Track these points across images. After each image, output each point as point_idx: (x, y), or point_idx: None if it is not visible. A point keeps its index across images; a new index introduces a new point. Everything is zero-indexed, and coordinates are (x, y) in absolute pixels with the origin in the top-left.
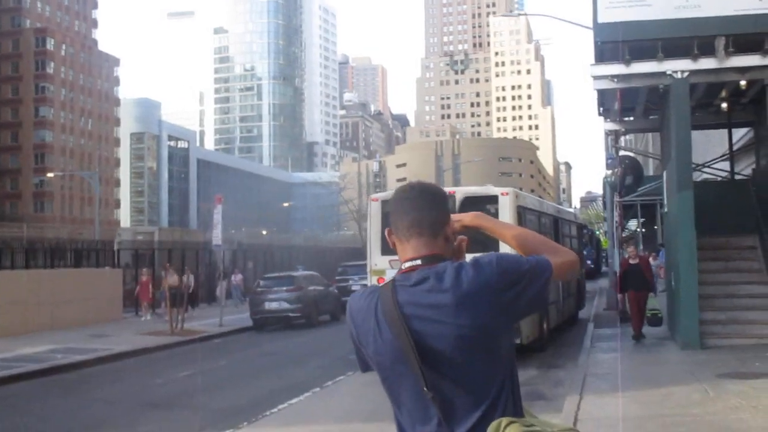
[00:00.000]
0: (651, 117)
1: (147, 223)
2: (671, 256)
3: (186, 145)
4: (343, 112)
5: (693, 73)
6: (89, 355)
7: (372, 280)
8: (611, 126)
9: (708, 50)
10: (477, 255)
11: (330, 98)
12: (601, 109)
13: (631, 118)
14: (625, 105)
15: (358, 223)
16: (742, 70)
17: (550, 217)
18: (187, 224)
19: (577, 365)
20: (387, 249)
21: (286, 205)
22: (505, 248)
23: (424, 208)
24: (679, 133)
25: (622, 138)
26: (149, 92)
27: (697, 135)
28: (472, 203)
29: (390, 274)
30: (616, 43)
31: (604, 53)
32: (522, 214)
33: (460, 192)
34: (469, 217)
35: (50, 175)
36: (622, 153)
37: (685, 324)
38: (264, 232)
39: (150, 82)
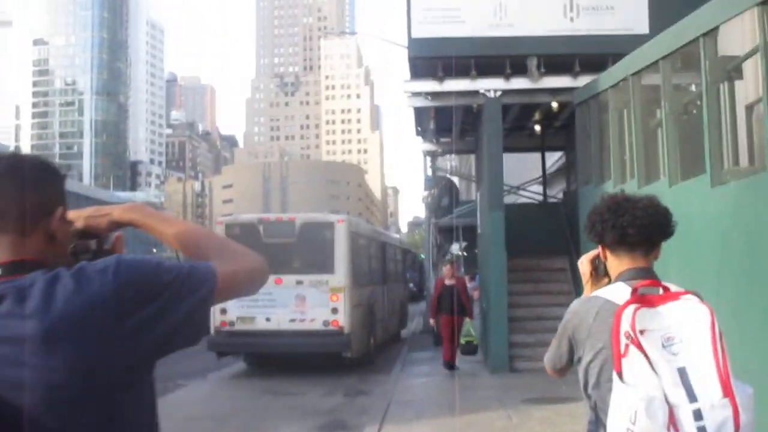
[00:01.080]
0: (467, 138)
1: None
2: (484, 278)
3: None
4: (169, 131)
5: (506, 92)
6: None
7: None
8: (428, 147)
9: (521, 70)
10: (92, 261)
11: (156, 116)
12: (419, 128)
13: (448, 140)
14: (442, 125)
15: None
16: (554, 92)
17: (378, 242)
18: None
19: (385, 391)
20: None
21: None
22: None
23: (10, 192)
24: (490, 152)
25: (449, 162)
26: None
27: (514, 158)
28: (311, 229)
29: None
30: (430, 59)
31: (418, 69)
32: (355, 239)
33: (300, 218)
34: (119, 210)
35: None
36: (439, 174)
37: (495, 347)
38: None
39: None
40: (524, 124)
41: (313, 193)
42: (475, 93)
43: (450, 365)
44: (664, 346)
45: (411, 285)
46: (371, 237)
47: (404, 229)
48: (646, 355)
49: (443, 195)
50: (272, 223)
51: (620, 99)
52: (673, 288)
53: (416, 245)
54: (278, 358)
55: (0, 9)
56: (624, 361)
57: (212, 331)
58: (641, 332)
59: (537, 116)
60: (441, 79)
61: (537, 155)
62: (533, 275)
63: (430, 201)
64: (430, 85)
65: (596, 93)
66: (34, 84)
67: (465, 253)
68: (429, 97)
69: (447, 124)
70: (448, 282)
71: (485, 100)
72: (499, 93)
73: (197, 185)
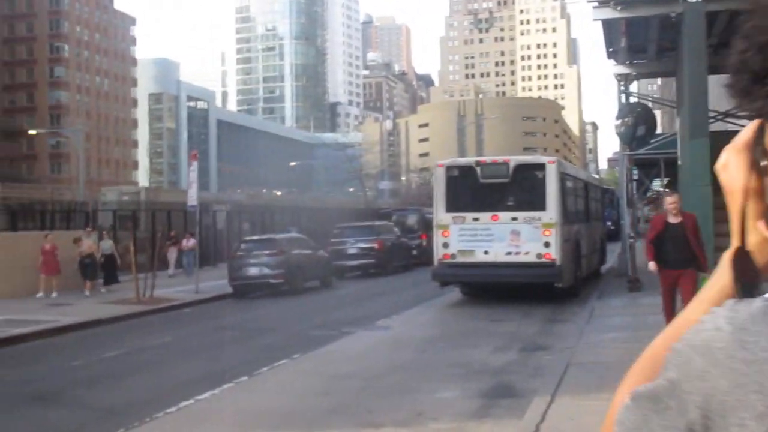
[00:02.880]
0: (665, 59)
1: (167, 185)
2: None
3: (206, 106)
4: (366, 72)
5: None
6: (29, 328)
7: (437, 234)
8: (621, 69)
9: None
10: None
11: (353, 58)
12: (610, 50)
13: (644, 61)
14: (635, 43)
15: (362, 181)
16: None
17: (582, 181)
18: (207, 186)
19: (565, 348)
20: (451, 207)
21: (292, 164)
22: None
23: None
24: (692, 70)
25: (649, 88)
26: (168, 53)
27: (718, 82)
28: (524, 169)
29: (453, 229)
30: None
31: None
32: (564, 179)
33: (514, 160)
34: None
35: (32, 132)
36: (633, 100)
37: None
38: (278, 193)
39: (169, 43)
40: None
41: (509, 130)
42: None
43: None
44: None
45: (609, 223)
46: (576, 177)
47: (603, 165)
48: None
49: (638, 123)
50: (488, 165)
51: None
52: None
53: (616, 182)
54: (494, 288)
55: None
56: None
57: (435, 263)
58: None
59: None
60: None
61: None
62: None
63: (623, 131)
64: None
65: None
66: (237, 31)
67: (667, 190)
68: (618, 7)
69: (641, 42)
70: (672, 219)
71: (685, 6)
72: None
73: (388, 123)
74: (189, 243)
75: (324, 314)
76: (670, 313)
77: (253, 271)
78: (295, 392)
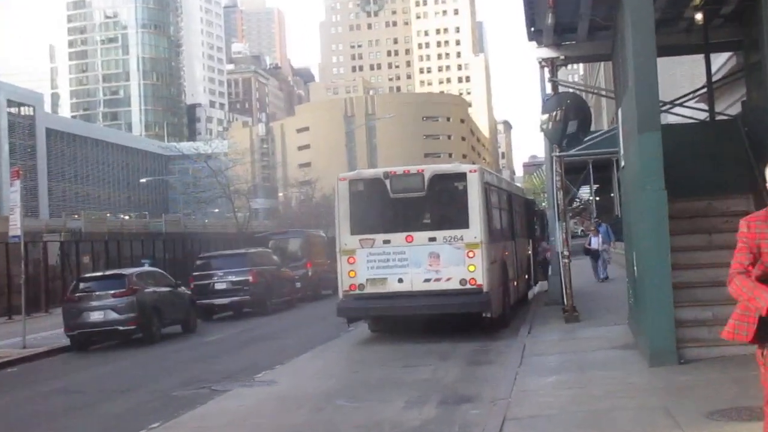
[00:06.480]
0: (598, 40)
1: None
2: (630, 228)
3: (32, 112)
4: (231, 66)
5: None
6: None
7: (342, 261)
8: (545, 53)
9: None
10: None
11: (215, 50)
12: (532, 29)
13: (573, 42)
14: (563, 21)
15: (230, 199)
16: None
17: (506, 192)
18: (36, 210)
19: (497, 399)
20: (356, 229)
21: (143, 181)
22: None
23: None
24: (637, 48)
25: (570, 77)
26: None
27: (661, 66)
28: (441, 181)
29: (360, 254)
30: None
31: None
32: (488, 191)
33: (429, 170)
34: None
35: None
36: (562, 90)
37: (654, 327)
38: (126, 217)
39: None
40: (679, 13)
41: (406, 133)
42: None
43: None
44: None
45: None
46: (501, 187)
47: (518, 171)
48: None
49: (569, 118)
50: (399, 176)
51: None
52: None
53: (534, 191)
54: (410, 322)
55: None
56: None
57: (341, 295)
58: None
59: (697, 0)
60: None
61: (689, 62)
62: (703, 223)
63: (551, 127)
64: None
65: None
66: (69, 19)
67: (597, 198)
68: None
69: (571, 19)
70: None
71: None
72: None
73: (260, 128)
74: None
75: (189, 368)
76: None
77: (96, 316)
78: None
